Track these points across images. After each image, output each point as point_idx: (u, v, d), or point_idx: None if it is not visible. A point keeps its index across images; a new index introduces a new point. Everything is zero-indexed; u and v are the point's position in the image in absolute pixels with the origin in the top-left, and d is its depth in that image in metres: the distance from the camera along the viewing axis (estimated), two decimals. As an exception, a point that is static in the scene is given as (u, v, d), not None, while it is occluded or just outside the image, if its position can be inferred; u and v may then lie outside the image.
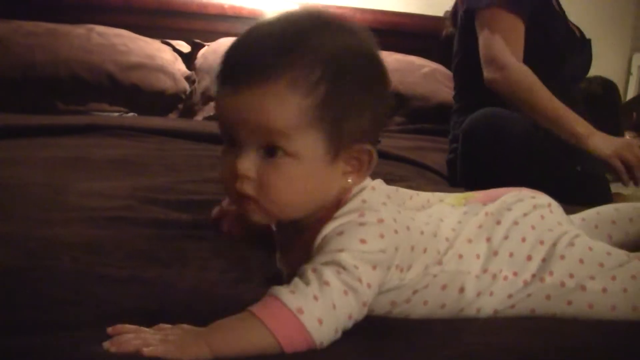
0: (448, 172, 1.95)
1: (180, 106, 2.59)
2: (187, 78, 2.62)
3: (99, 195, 1.22)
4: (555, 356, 0.70)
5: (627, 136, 3.02)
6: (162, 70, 2.52)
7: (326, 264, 0.70)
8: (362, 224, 0.74)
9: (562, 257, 0.85)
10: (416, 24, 2.97)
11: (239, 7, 2.84)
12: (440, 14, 2.98)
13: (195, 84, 2.61)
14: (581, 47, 1.97)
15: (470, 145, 1.73)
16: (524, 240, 0.86)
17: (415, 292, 0.80)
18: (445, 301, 0.82)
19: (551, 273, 0.84)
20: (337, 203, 0.77)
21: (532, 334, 0.76)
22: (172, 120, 2.46)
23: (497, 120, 1.67)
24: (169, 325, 0.65)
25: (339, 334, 0.69)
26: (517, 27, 1.74)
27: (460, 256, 0.83)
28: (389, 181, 0.89)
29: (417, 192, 1.04)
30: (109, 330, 0.63)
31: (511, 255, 0.85)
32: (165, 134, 2.00)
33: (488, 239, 0.86)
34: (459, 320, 0.81)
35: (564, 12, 1.96)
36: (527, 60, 1.75)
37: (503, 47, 1.70)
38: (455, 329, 0.76)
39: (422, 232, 0.82)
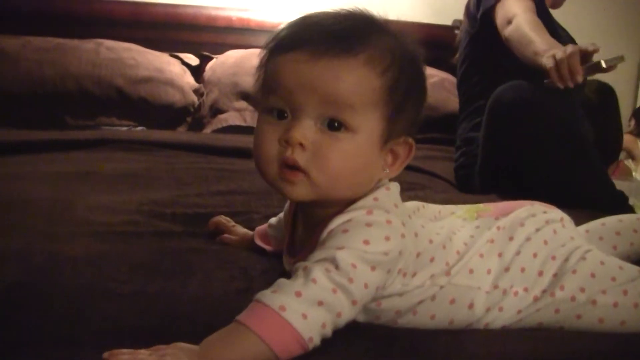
0: (456, 180, 1.94)
1: (189, 119, 2.59)
2: (196, 91, 2.62)
3: (106, 209, 1.22)
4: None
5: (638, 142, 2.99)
6: (170, 83, 2.53)
7: (319, 261, 0.70)
8: (368, 224, 0.74)
9: (574, 271, 0.84)
10: (424, 33, 2.96)
11: (246, 20, 2.85)
12: (449, 22, 2.98)
13: (204, 97, 2.61)
14: None
15: (496, 111, 1.70)
16: (535, 255, 0.85)
17: (420, 302, 0.79)
18: (454, 317, 0.81)
19: (562, 287, 0.83)
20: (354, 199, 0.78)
21: (536, 341, 0.76)
22: (180, 134, 2.47)
23: (526, 90, 1.65)
24: (165, 346, 0.65)
25: (329, 331, 0.69)
26: (528, 3, 1.82)
27: (471, 271, 0.82)
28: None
29: (426, 203, 1.03)
30: (105, 355, 0.63)
31: (523, 270, 0.84)
32: (173, 147, 2.00)
33: (500, 254, 0.85)
34: (464, 330, 0.80)
35: None
36: None
37: (517, 7, 1.79)
38: (460, 338, 0.76)
39: (430, 241, 0.82)
